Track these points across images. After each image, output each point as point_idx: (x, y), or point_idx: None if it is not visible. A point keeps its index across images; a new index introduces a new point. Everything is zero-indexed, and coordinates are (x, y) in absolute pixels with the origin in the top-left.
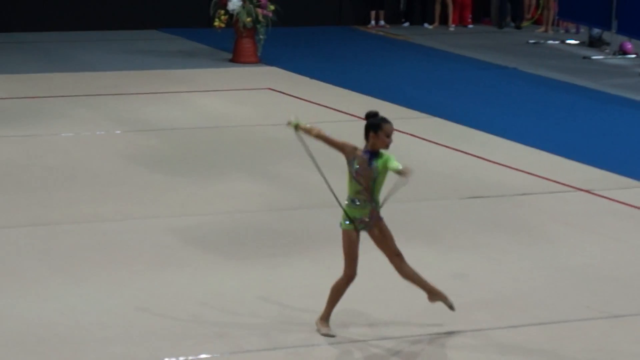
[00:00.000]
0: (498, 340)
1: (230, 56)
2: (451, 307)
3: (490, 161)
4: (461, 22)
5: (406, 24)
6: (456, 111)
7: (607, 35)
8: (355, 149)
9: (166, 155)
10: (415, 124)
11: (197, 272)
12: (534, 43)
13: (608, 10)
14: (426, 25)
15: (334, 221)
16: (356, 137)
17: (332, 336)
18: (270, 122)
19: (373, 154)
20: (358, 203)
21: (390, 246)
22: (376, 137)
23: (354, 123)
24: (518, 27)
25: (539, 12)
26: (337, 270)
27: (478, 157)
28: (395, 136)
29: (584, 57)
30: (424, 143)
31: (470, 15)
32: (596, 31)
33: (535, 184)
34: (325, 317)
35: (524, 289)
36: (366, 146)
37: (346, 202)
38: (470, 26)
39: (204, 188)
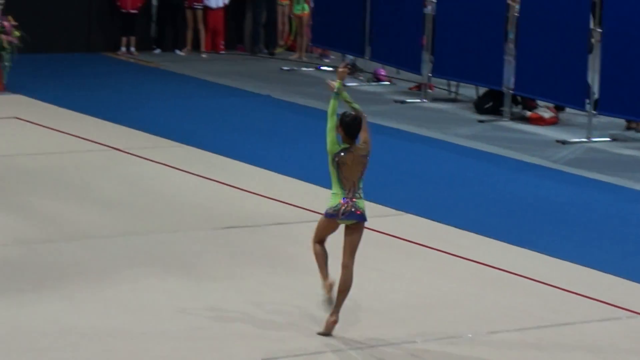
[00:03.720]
0: None
1: None
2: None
3: (244, 190)
4: (214, 48)
5: (157, 51)
6: (209, 139)
7: (360, 62)
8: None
9: None
10: (167, 152)
11: None
12: (288, 70)
13: (362, 37)
14: (178, 51)
15: (83, 254)
16: (106, 167)
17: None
18: (18, 152)
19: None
20: (336, 192)
21: (353, 246)
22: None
23: (103, 152)
24: (272, 54)
25: (292, 38)
26: (90, 304)
27: (232, 186)
28: (146, 166)
29: None
30: (177, 172)
31: (223, 42)
32: (350, 58)
33: (290, 213)
34: (326, 281)
35: (282, 320)
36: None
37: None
38: (223, 52)
39: None
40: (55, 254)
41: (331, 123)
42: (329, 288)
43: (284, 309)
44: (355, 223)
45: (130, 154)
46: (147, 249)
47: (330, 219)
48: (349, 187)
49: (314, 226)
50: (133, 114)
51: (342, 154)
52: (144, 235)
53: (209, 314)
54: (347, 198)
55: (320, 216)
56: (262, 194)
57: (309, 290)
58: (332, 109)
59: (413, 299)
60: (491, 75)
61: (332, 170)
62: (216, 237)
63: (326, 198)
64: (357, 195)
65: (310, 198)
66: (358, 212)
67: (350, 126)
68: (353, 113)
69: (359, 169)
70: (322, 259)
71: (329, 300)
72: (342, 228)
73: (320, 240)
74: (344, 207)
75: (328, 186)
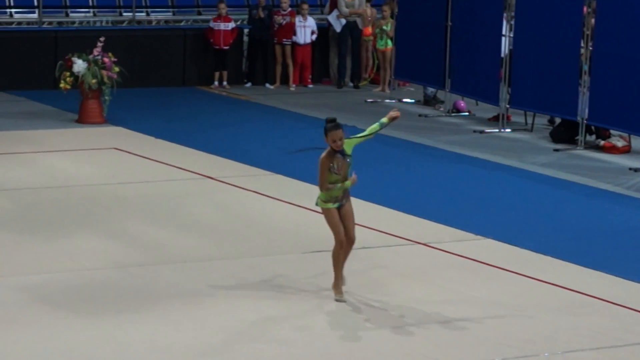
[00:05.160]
0: None
1: (76, 117)
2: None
3: None
4: (302, 82)
5: (248, 85)
6: (298, 169)
7: (441, 94)
8: (329, 159)
9: (13, 215)
10: (258, 181)
11: (44, 330)
12: (372, 102)
13: (442, 70)
14: (268, 85)
15: (179, 277)
16: (201, 195)
17: (344, 301)
18: (116, 181)
19: (341, 152)
20: (333, 187)
21: (352, 217)
22: (327, 140)
23: (197, 181)
24: (356, 87)
25: (375, 71)
26: (185, 325)
27: (319, 212)
28: (239, 193)
29: (420, 115)
30: (267, 199)
31: (310, 76)
32: (431, 90)
33: (374, 238)
34: (336, 284)
35: (369, 341)
36: (329, 146)
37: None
38: (311, 86)
39: (51, 246)
40: (152, 277)
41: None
42: (342, 292)
43: (370, 330)
44: (347, 198)
45: (223, 182)
46: (240, 272)
47: (335, 209)
48: (341, 179)
49: (397, 250)
50: (225, 144)
51: (335, 159)
52: (237, 259)
53: (299, 335)
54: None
55: (401, 240)
56: None
57: (395, 312)
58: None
59: (491, 320)
60: (566, 105)
61: (328, 176)
62: (305, 261)
63: (407, 224)
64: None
65: (394, 224)
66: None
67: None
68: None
69: (345, 171)
70: (340, 263)
71: (339, 301)
72: None
73: (341, 233)
74: (341, 194)
75: (412, 212)
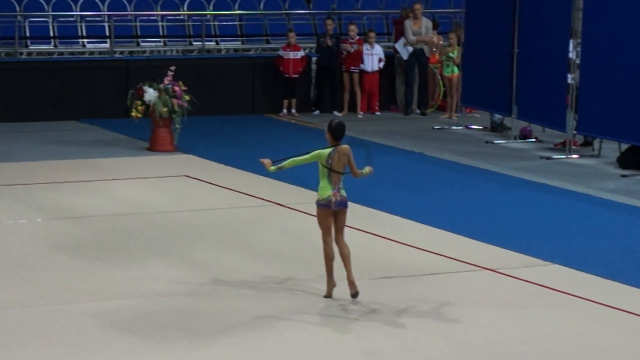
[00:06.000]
0: None
1: (147, 145)
2: (354, 296)
3: (398, 242)
4: (369, 109)
5: (316, 112)
6: (365, 195)
7: (507, 121)
8: (327, 153)
9: (86, 241)
10: None
11: (117, 355)
12: (439, 129)
13: (508, 97)
14: (335, 112)
15: (250, 303)
16: (270, 221)
17: (328, 297)
18: (186, 208)
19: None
20: (325, 185)
21: (342, 225)
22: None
23: (267, 208)
24: (423, 114)
25: (441, 98)
26: (258, 350)
27: (387, 238)
28: (307, 219)
29: (487, 142)
30: None
31: (377, 103)
32: (497, 116)
33: (442, 263)
34: (331, 284)
35: None
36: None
37: (319, 188)
38: (378, 113)
39: (123, 273)
40: (223, 303)
41: (306, 157)
42: (332, 291)
43: (438, 355)
44: (343, 208)
45: (293, 208)
46: (309, 298)
47: (325, 209)
48: (335, 180)
49: (465, 276)
50: (293, 171)
51: (331, 154)
52: (305, 285)
53: (368, 359)
54: (334, 190)
55: (470, 266)
56: (415, 245)
57: (462, 337)
58: (303, 160)
59: (559, 346)
60: (634, 131)
61: (322, 170)
62: (373, 287)
63: (475, 250)
64: (341, 186)
65: (461, 249)
66: (345, 201)
67: (336, 130)
68: (337, 120)
69: (343, 164)
70: (331, 263)
71: (327, 297)
72: None
73: (329, 233)
74: (334, 198)
75: (480, 238)
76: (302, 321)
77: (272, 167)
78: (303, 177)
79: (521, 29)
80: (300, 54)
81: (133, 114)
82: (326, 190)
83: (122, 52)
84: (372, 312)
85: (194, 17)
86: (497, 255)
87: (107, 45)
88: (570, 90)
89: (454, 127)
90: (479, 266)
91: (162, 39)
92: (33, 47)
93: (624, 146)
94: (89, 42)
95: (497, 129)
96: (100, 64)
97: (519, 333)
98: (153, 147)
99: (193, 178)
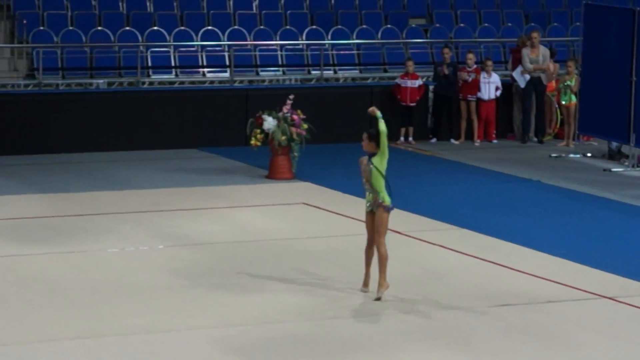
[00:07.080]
0: None
1: (266, 173)
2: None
3: (516, 270)
4: (486, 137)
5: (433, 140)
6: (483, 223)
7: (625, 148)
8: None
9: (206, 268)
10: (443, 235)
11: None
12: (556, 157)
13: (626, 124)
14: (452, 140)
15: (367, 329)
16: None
17: (366, 292)
18: (305, 235)
19: (370, 155)
20: (366, 191)
21: (377, 226)
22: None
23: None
24: (540, 142)
25: (558, 126)
26: None
27: (505, 266)
28: (425, 247)
29: (604, 170)
30: (453, 254)
31: (494, 131)
32: (615, 144)
33: (561, 292)
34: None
35: None
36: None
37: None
38: (495, 141)
39: (242, 300)
40: (339, 329)
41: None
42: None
43: None
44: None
45: (410, 236)
46: (426, 324)
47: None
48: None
49: (584, 305)
50: (412, 199)
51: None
52: (424, 311)
53: None
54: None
55: (588, 294)
56: (534, 273)
57: None
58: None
59: None
60: None
61: (381, 175)
62: (492, 314)
63: (593, 278)
64: None
65: (579, 277)
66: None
67: (377, 137)
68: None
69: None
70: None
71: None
72: None
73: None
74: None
75: (597, 266)
76: (420, 348)
77: (379, 113)
78: (421, 207)
79: (639, 57)
80: (417, 82)
81: (252, 142)
82: (388, 196)
83: (241, 81)
84: (489, 340)
85: (313, 47)
86: (615, 283)
87: (227, 74)
88: None
89: (571, 155)
90: (598, 294)
91: (281, 68)
92: (155, 77)
93: None
94: (209, 72)
95: (614, 156)
96: (220, 93)
97: (625, 355)
98: (272, 175)
99: (311, 205)
